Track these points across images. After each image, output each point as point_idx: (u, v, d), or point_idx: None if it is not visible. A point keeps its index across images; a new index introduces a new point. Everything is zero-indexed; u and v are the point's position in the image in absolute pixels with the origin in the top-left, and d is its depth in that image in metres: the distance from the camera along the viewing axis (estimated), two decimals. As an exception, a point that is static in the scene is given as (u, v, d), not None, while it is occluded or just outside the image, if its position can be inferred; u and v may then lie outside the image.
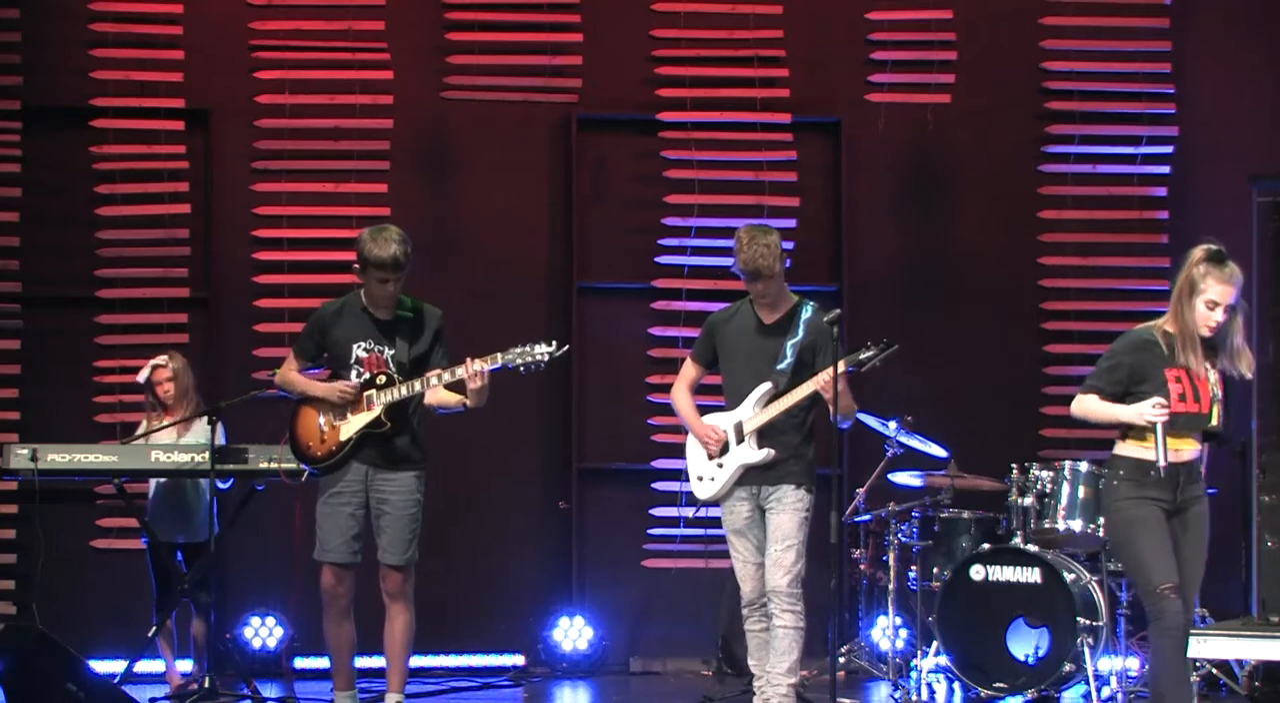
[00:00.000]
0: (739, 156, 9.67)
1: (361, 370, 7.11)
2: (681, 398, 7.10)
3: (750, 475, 6.87)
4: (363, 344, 7.12)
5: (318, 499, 7.15)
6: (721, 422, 6.94)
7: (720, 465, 6.92)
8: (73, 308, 9.36)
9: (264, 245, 9.44)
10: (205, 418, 7.74)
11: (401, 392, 7.03)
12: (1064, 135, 9.78)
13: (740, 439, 6.87)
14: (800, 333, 6.84)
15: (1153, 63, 9.79)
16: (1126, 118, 9.79)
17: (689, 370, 7.12)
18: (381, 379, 7.07)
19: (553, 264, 9.68)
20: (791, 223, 9.59)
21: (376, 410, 7.04)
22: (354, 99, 9.50)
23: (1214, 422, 6.23)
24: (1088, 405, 6.29)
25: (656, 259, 9.63)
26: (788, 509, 6.81)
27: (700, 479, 7.01)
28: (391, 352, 7.10)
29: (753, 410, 6.85)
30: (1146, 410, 6.12)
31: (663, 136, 9.68)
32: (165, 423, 8.05)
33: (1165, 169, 9.78)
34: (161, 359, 8.19)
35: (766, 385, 6.83)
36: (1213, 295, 6.16)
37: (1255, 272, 8.80)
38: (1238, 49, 9.92)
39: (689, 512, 7.07)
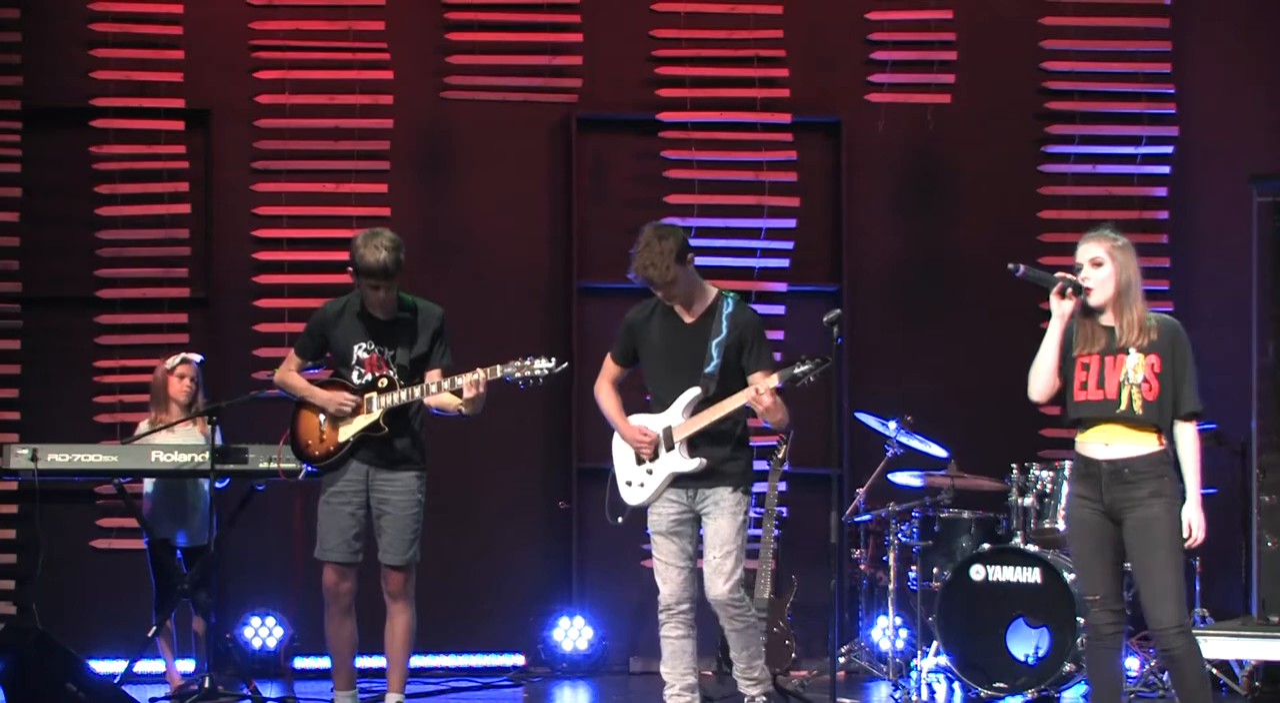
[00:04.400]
0: (739, 157, 9.67)
1: (363, 371, 7.12)
2: (605, 397, 6.91)
3: (683, 480, 6.67)
4: (363, 345, 7.13)
5: (319, 499, 7.16)
6: (650, 424, 6.74)
7: (650, 472, 6.74)
8: (73, 308, 9.35)
9: (264, 245, 9.44)
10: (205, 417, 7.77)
11: (401, 397, 7.05)
12: (1064, 135, 9.78)
13: (670, 446, 6.67)
14: (724, 331, 6.59)
15: (1153, 63, 9.79)
16: (1126, 118, 9.79)
17: (609, 368, 6.93)
18: (383, 382, 7.09)
19: (553, 264, 9.68)
20: (791, 223, 9.60)
21: (375, 415, 7.06)
22: (354, 99, 9.50)
23: (1123, 407, 5.93)
24: (1030, 377, 6.10)
25: (656, 259, 9.62)
26: (725, 514, 6.60)
27: (629, 484, 6.81)
28: (392, 352, 7.12)
29: (681, 416, 6.64)
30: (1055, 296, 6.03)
31: (663, 136, 9.68)
32: (177, 419, 8.05)
33: (1165, 169, 9.78)
34: (195, 357, 8.20)
35: (695, 391, 6.62)
36: (1078, 257, 6.11)
37: (1255, 271, 8.81)
38: (1238, 49, 9.92)
39: (618, 519, 6.81)
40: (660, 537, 6.73)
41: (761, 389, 6.44)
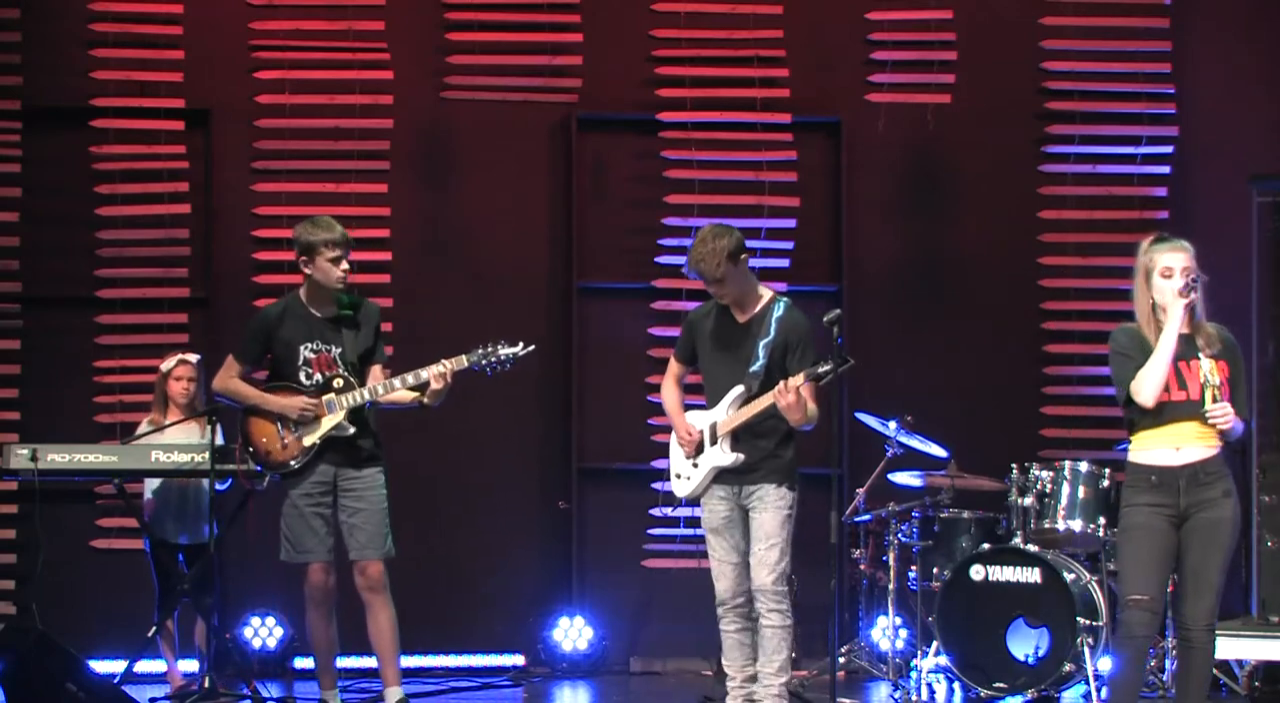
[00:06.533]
0: (739, 156, 9.67)
1: (310, 371, 7.12)
2: (668, 394, 7.13)
3: (728, 476, 6.88)
4: (310, 345, 7.14)
5: (284, 503, 7.17)
6: (699, 421, 6.95)
7: (695, 465, 6.94)
8: (73, 308, 9.35)
9: (264, 245, 9.44)
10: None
11: (364, 395, 7.06)
12: (1064, 135, 9.78)
13: (714, 440, 6.87)
14: (771, 332, 6.82)
15: (1153, 63, 9.79)
16: (1126, 118, 9.78)
17: (673, 367, 7.16)
18: (339, 382, 7.09)
19: (553, 264, 9.68)
20: (791, 223, 9.60)
21: (340, 415, 7.06)
22: (354, 99, 9.50)
23: (1207, 408, 6.11)
24: (1142, 376, 6.13)
25: (656, 259, 9.63)
26: (769, 508, 6.81)
27: (678, 477, 7.04)
28: (339, 350, 7.12)
29: (726, 413, 6.85)
30: (1171, 291, 6.11)
31: (663, 136, 9.68)
32: (176, 419, 8.05)
33: (1165, 169, 9.78)
34: (191, 357, 8.21)
35: (739, 389, 6.83)
36: (1165, 263, 6.18)
37: (1255, 271, 8.81)
38: (1238, 49, 9.91)
39: (667, 509, 7.18)
40: (713, 534, 6.95)
41: (786, 386, 6.62)
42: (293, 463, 7.10)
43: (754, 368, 6.81)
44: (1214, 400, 6.12)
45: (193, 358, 8.22)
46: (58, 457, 7.78)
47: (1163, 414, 6.16)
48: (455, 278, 9.57)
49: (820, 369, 6.65)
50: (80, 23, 9.39)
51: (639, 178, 9.72)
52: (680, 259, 9.53)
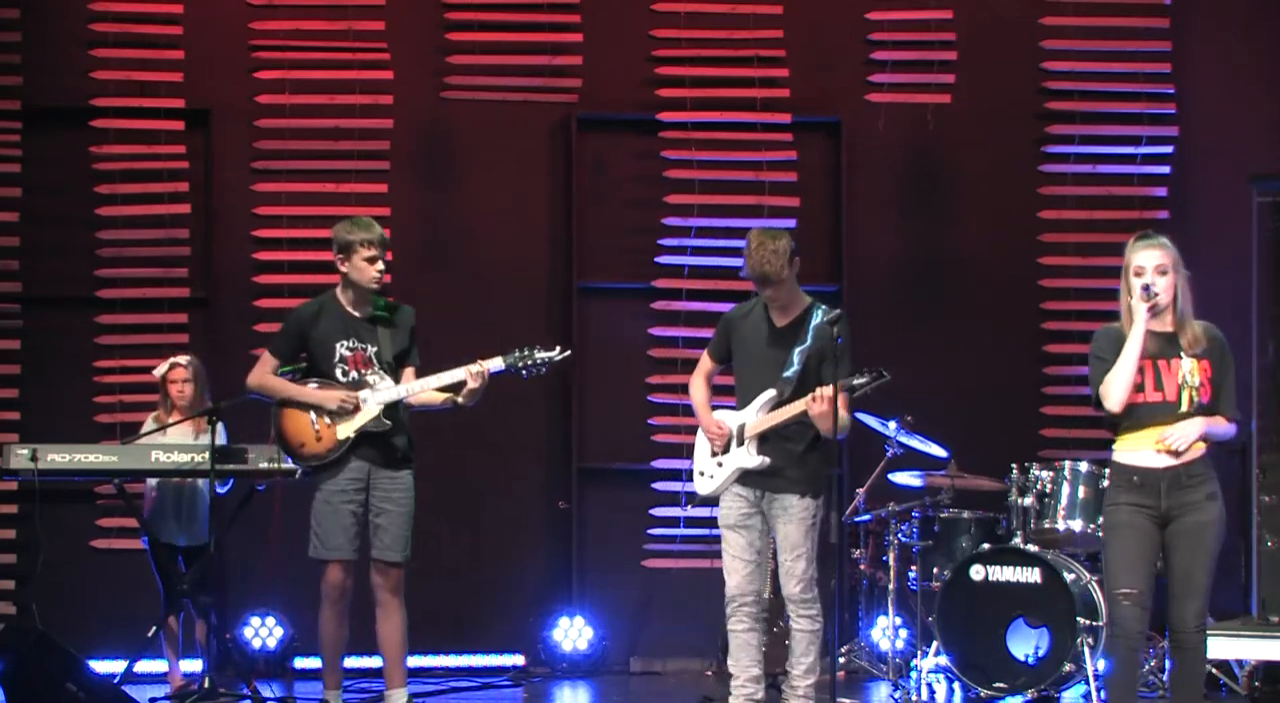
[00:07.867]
0: (739, 156, 9.67)
1: (346, 368, 7.13)
2: (696, 390, 7.10)
3: (752, 478, 6.86)
4: (346, 343, 7.14)
5: (315, 497, 7.16)
6: (728, 420, 6.93)
7: (720, 464, 6.92)
8: (73, 308, 9.35)
9: (264, 245, 9.44)
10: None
11: (401, 391, 7.07)
12: (1064, 135, 9.78)
13: (740, 442, 6.87)
14: (809, 340, 6.80)
15: (1153, 63, 9.80)
16: (1126, 118, 9.79)
17: (705, 363, 7.12)
18: (374, 379, 7.10)
19: (553, 264, 9.68)
20: (791, 223, 9.59)
21: (376, 410, 7.07)
22: (354, 99, 9.50)
23: (1184, 409, 6.06)
24: (1108, 381, 6.10)
25: (656, 259, 9.64)
26: (794, 519, 6.79)
27: (701, 474, 7.01)
28: (375, 349, 7.14)
29: (756, 415, 6.84)
30: (1136, 301, 6.07)
31: (663, 136, 9.68)
32: (176, 419, 8.06)
33: (1165, 169, 9.78)
34: (183, 359, 8.21)
35: (771, 392, 6.81)
36: (1138, 262, 6.16)
37: (1255, 272, 8.81)
38: (1238, 49, 9.92)
39: (688, 505, 7.24)
40: (729, 530, 6.92)
41: (818, 395, 6.60)
42: (327, 455, 7.10)
43: (788, 373, 6.79)
44: (1190, 402, 6.07)
45: (184, 360, 8.21)
46: (58, 457, 7.77)
47: (1140, 416, 6.12)
48: (455, 278, 9.57)
49: (855, 380, 6.66)
50: (80, 23, 9.39)
51: (639, 178, 9.72)
52: (680, 259, 9.64)
